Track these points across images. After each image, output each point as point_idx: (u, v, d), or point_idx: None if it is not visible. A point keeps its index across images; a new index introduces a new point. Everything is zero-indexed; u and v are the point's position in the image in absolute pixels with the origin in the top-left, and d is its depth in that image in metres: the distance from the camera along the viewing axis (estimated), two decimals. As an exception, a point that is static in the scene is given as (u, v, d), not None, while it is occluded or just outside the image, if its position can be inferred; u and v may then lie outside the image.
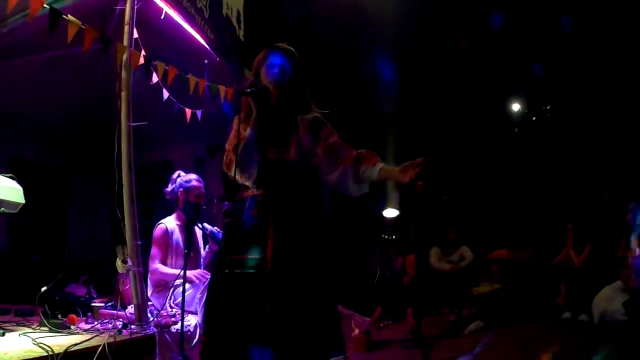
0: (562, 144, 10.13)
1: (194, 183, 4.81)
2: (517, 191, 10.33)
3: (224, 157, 2.98)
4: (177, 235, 4.85)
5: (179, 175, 4.86)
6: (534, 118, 10.87)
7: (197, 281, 4.56)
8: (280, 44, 3.06)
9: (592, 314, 6.60)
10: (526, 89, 10.77)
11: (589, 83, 9.67)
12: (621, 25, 8.69)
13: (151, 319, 4.23)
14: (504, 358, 5.52)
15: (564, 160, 10.02)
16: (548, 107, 10.68)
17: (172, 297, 4.65)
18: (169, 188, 4.86)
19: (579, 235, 7.44)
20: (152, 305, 4.67)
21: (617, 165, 9.07)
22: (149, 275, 4.76)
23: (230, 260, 2.83)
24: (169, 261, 4.80)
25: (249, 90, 2.96)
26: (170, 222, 4.87)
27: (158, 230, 4.82)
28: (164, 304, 4.62)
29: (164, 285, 4.72)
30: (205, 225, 4.78)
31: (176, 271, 4.45)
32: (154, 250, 4.78)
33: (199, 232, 4.97)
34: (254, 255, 2.79)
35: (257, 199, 2.87)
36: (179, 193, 4.79)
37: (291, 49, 3.06)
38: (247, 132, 2.90)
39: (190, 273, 4.60)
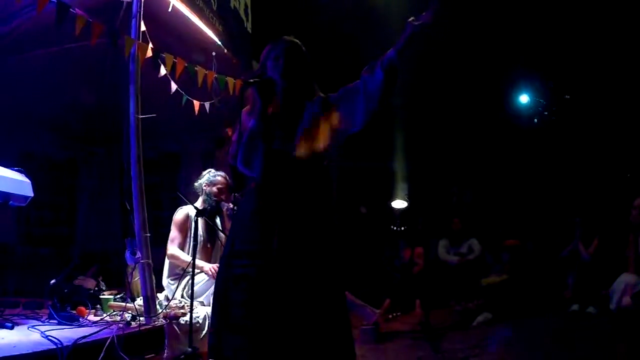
0: (573, 137, 10.06)
1: (219, 178, 5.04)
2: (526, 184, 10.28)
3: (230, 149, 2.98)
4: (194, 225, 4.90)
5: (209, 172, 5.10)
6: (544, 112, 10.78)
7: (210, 274, 4.60)
8: (285, 36, 3.04)
9: (599, 306, 6.57)
10: (537, 83, 10.69)
11: (600, 79, 9.59)
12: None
13: (160, 310, 4.25)
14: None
15: (574, 154, 9.96)
16: (558, 102, 10.59)
17: (186, 287, 4.68)
18: (197, 182, 5.09)
19: (588, 228, 7.40)
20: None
21: (629, 159, 9.02)
22: (166, 258, 4.88)
23: (236, 252, 2.82)
24: (186, 249, 4.89)
25: (251, 80, 2.95)
26: (192, 210, 4.93)
27: (180, 213, 4.98)
28: (174, 293, 4.65)
29: (179, 273, 4.78)
30: (223, 202, 4.98)
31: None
32: (174, 233, 4.92)
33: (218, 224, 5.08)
34: (259, 247, 2.78)
35: (262, 191, 2.86)
36: (204, 185, 5.03)
37: (297, 41, 3.03)
38: (251, 123, 2.90)
39: (207, 265, 4.69)
